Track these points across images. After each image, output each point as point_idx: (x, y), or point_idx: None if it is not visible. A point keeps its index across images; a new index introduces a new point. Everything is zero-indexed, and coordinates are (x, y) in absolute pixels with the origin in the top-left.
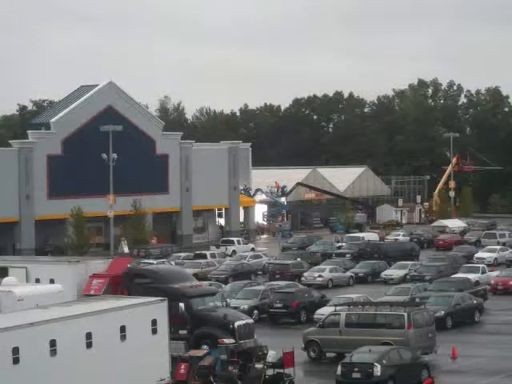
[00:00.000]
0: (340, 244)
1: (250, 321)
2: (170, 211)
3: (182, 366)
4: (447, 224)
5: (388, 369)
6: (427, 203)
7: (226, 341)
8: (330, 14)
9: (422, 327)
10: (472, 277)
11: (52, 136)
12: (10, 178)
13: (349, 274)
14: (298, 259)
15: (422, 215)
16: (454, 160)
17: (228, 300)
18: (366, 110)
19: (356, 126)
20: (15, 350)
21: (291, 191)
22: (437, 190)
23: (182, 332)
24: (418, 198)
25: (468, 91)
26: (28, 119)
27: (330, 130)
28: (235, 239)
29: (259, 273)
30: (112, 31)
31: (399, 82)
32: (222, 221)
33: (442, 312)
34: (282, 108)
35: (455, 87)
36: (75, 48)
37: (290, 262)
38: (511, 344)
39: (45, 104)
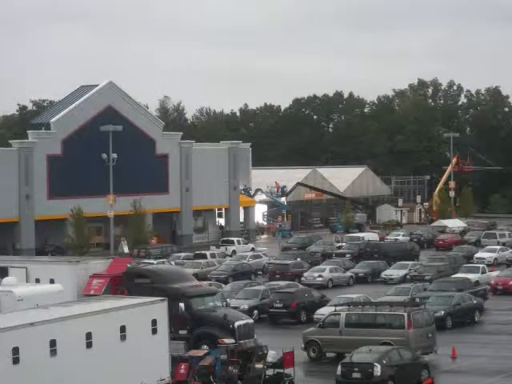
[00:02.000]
0: (340, 244)
1: (250, 321)
2: (169, 211)
3: (182, 366)
4: (447, 224)
5: (388, 369)
6: (427, 203)
7: (226, 341)
8: (330, 14)
9: (421, 327)
10: (472, 277)
11: (52, 136)
12: (10, 177)
13: (349, 273)
14: (298, 259)
15: (422, 215)
16: (453, 160)
17: (228, 300)
18: (365, 110)
19: (356, 126)
20: (15, 350)
21: (291, 191)
22: (437, 190)
23: (182, 332)
24: (418, 198)
25: (468, 91)
26: (28, 119)
27: (330, 130)
28: (235, 239)
29: (259, 273)
30: (112, 31)
31: (399, 82)
32: (221, 221)
33: (442, 312)
34: (282, 108)
35: (455, 87)
36: (75, 48)
37: (290, 261)
38: (511, 344)
39: (45, 104)
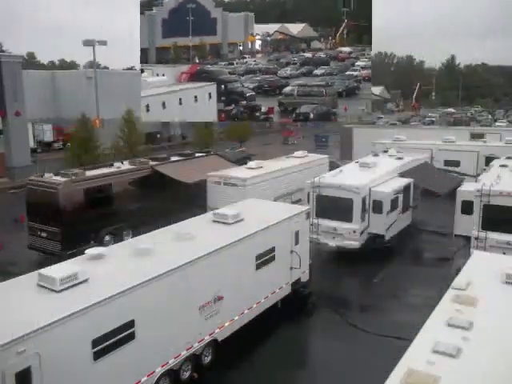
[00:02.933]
0: None
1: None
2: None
3: None
4: None
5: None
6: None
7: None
8: None
9: (331, 96)
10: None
11: (162, 9)
12: (143, 31)
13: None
14: None
15: None
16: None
17: None
18: None
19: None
20: None
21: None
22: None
23: None
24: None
25: None
26: (152, 1)
27: None
28: None
29: None
30: None
31: None
32: None
33: (340, 89)
34: None
35: None
36: None
37: None
38: None
39: None
